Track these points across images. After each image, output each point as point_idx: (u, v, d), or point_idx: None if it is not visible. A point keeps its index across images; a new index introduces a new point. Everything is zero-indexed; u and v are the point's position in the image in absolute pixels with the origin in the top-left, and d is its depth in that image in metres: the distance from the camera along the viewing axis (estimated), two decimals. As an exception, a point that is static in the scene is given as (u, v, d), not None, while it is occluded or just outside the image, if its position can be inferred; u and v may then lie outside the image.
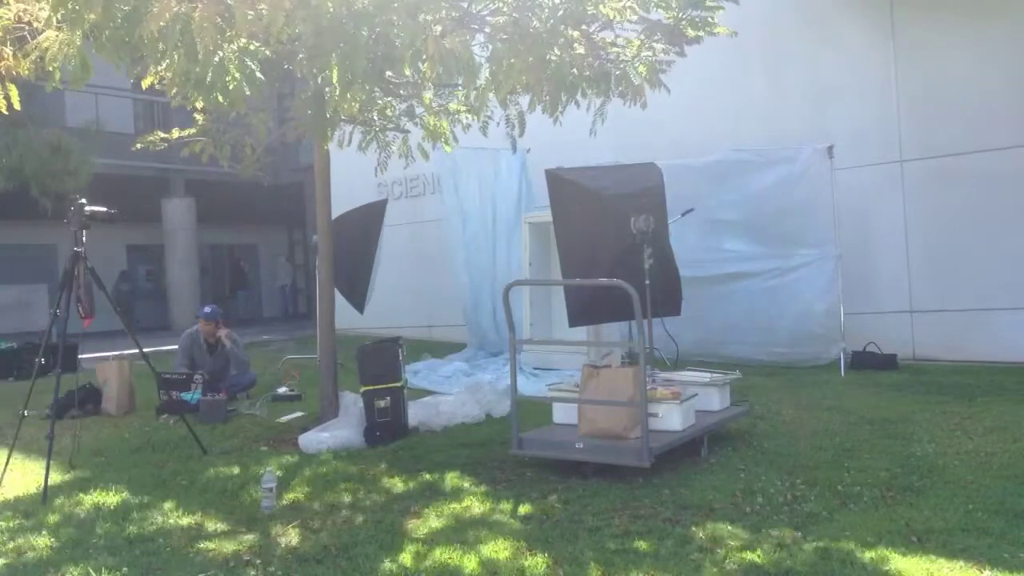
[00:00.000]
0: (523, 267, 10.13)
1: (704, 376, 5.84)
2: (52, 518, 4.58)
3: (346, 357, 8.49)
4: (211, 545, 4.05)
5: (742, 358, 8.85)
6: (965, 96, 8.91)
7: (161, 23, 4.20)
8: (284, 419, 7.10)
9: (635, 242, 7.43)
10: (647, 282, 7.31)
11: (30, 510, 4.73)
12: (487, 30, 5.47)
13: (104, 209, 5.62)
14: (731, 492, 4.53)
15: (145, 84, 5.86)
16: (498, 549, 3.84)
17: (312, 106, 6.03)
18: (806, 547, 3.71)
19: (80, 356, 8.31)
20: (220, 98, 5.12)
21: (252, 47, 4.87)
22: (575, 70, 5.29)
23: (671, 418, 5.13)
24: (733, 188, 9.27)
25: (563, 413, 5.53)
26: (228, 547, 4.01)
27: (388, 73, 5.77)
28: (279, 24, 4.28)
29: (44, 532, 4.32)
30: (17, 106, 5.63)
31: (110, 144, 15.88)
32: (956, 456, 5.07)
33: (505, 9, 5.24)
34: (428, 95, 6.72)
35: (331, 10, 4.61)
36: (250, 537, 4.14)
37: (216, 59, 4.62)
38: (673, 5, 5.42)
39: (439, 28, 4.73)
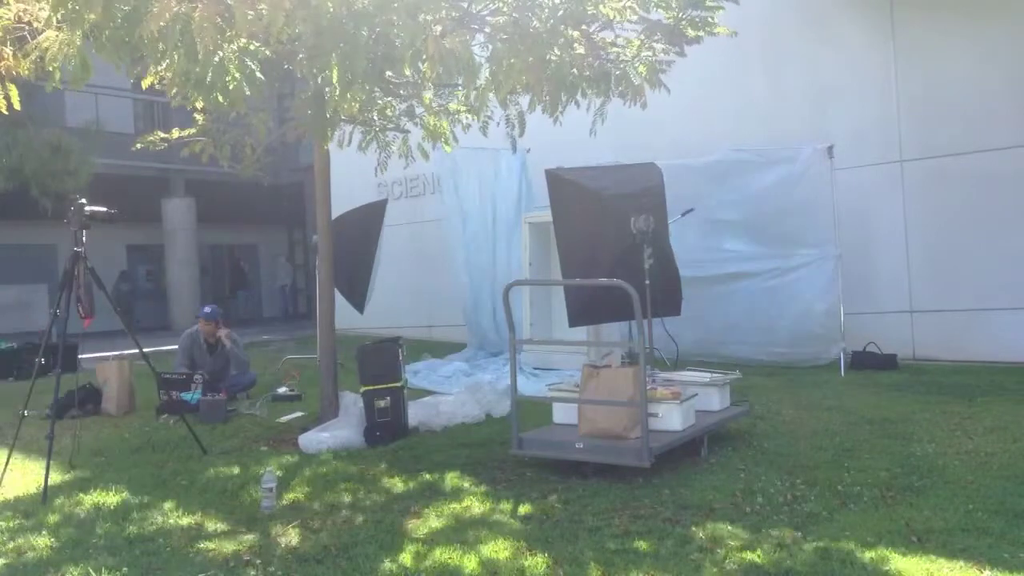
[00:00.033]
0: (523, 267, 10.13)
1: (704, 376, 5.84)
2: (52, 518, 4.58)
3: (346, 357, 8.49)
4: (211, 545, 4.05)
5: (742, 358, 8.85)
6: (965, 96, 8.91)
7: (161, 23, 4.20)
8: (284, 419, 7.10)
9: (635, 242, 7.43)
10: (647, 282, 7.31)
11: (30, 510, 4.73)
12: (487, 30, 5.47)
13: (104, 209, 5.62)
14: (731, 492, 4.53)
15: (145, 84, 5.86)
16: (498, 549, 3.84)
17: (312, 106, 6.02)
18: (806, 547, 3.71)
19: (80, 356, 8.31)
20: (220, 98, 5.12)
21: (252, 47, 4.87)
22: (575, 70, 5.29)
23: (671, 418, 5.13)
24: (733, 188, 9.27)
25: (563, 413, 5.53)
26: (228, 547, 4.01)
27: (388, 73, 5.77)
28: (279, 24, 4.28)
29: (44, 532, 4.32)
30: (17, 106, 5.63)
31: (110, 144, 15.89)
32: (956, 456, 5.07)
33: (505, 9, 5.24)
34: (428, 95, 6.72)
35: (331, 10, 4.61)
36: (250, 537, 4.14)
37: (216, 59, 4.62)
38: (673, 5, 5.41)
39: (439, 28, 4.73)
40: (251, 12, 4.28)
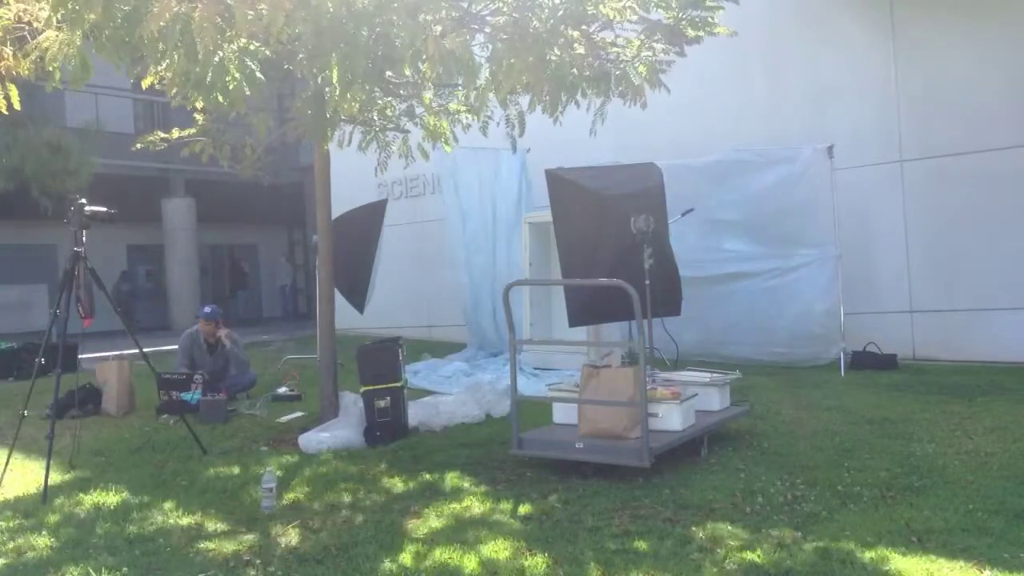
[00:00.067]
0: (523, 267, 10.12)
1: (704, 376, 5.84)
2: (52, 518, 4.58)
3: (346, 357, 8.49)
4: (211, 545, 4.05)
5: (742, 358, 8.85)
6: (965, 96, 8.91)
7: (161, 23, 4.20)
8: (284, 419, 7.10)
9: (635, 242, 7.44)
10: (647, 282, 7.31)
11: (30, 510, 4.73)
12: (487, 30, 5.47)
13: (104, 209, 5.61)
14: (731, 492, 4.53)
15: (145, 84, 5.86)
16: (498, 549, 3.84)
17: (312, 106, 6.02)
18: (806, 547, 3.72)
19: (80, 356, 8.30)
20: (220, 98, 5.12)
21: (252, 47, 4.87)
22: (575, 70, 5.28)
23: (671, 418, 5.13)
24: (733, 188, 9.26)
25: (563, 413, 5.53)
26: (228, 547, 4.01)
27: (388, 73, 5.77)
28: (279, 24, 4.28)
29: (44, 532, 4.32)
30: (17, 106, 5.63)
31: (110, 144, 15.88)
32: (956, 456, 5.07)
33: (505, 9, 5.24)
34: (428, 95, 6.72)
35: (331, 10, 4.61)
36: (250, 537, 4.14)
37: (216, 59, 4.62)
38: (673, 5, 5.41)
39: (439, 28, 4.73)
40: (251, 12, 4.28)
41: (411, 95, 6.69)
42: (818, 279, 8.79)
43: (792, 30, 10.18)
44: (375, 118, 7.02)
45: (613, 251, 7.74)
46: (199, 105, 6.17)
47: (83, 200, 5.53)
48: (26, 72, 5.36)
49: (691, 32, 5.57)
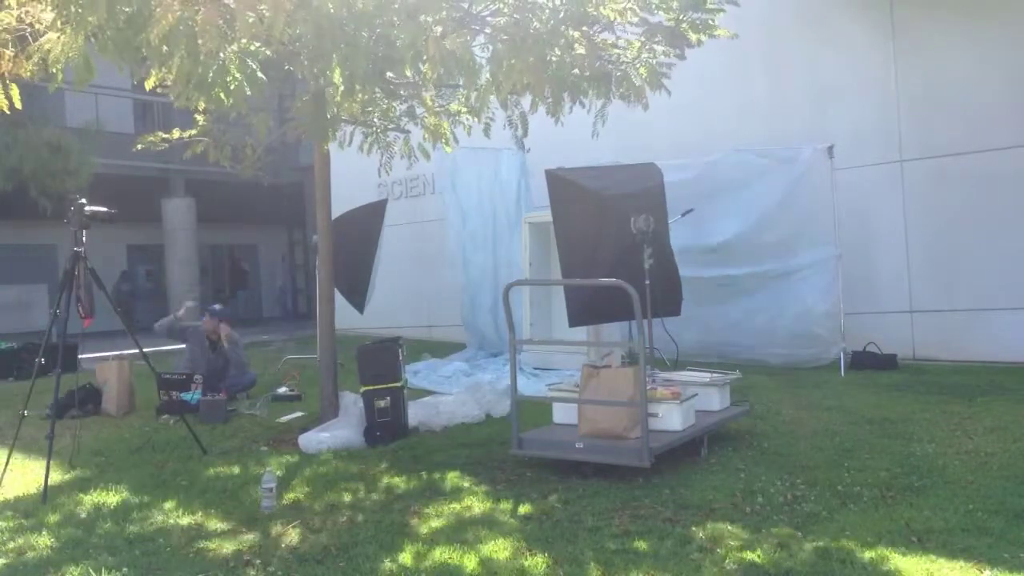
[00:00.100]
0: (523, 267, 10.13)
1: (704, 376, 5.84)
2: (52, 518, 4.58)
3: (346, 357, 8.49)
4: (211, 545, 4.05)
5: (742, 358, 8.86)
6: (965, 96, 8.91)
7: (166, 26, 4.20)
8: (284, 419, 7.10)
9: (635, 242, 7.44)
10: (647, 282, 7.31)
11: (30, 510, 4.73)
12: (488, 31, 5.47)
13: (104, 209, 5.62)
14: (731, 492, 4.53)
15: (148, 86, 5.86)
16: (498, 549, 3.84)
17: (313, 107, 6.03)
18: (806, 547, 3.72)
19: (80, 356, 8.30)
20: (223, 96, 5.11)
21: (253, 48, 4.87)
22: (576, 70, 5.29)
23: (671, 418, 5.14)
24: (733, 188, 9.26)
25: (563, 413, 5.54)
26: (228, 547, 4.01)
27: (389, 74, 5.77)
28: (280, 25, 4.28)
29: (44, 532, 4.32)
30: (19, 106, 5.63)
31: (110, 144, 15.88)
32: (956, 456, 5.08)
33: (506, 10, 5.24)
34: (429, 96, 6.72)
35: (332, 11, 4.62)
36: (250, 537, 4.14)
37: (218, 60, 4.62)
38: (674, 7, 5.41)
39: (440, 29, 4.74)
40: (252, 14, 4.28)
41: (412, 96, 6.70)
42: (818, 279, 8.79)
43: (792, 30, 10.18)
44: (376, 119, 7.02)
45: (613, 251, 7.74)
46: (201, 106, 6.17)
47: (83, 200, 5.53)
48: (28, 74, 5.36)
49: (692, 35, 5.56)
